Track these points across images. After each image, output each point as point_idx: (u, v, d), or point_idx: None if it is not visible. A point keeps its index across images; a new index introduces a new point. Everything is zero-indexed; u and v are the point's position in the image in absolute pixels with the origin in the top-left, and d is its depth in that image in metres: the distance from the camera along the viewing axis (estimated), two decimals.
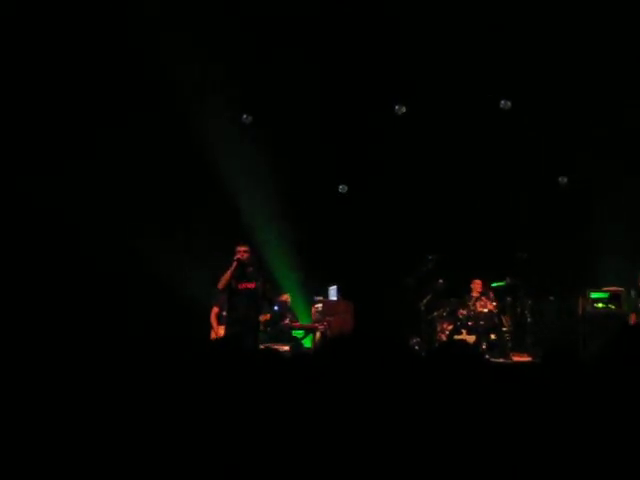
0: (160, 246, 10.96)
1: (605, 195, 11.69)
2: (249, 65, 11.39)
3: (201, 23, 10.77)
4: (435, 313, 11.52)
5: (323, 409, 1.99)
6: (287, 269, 12.06)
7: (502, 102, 11.95)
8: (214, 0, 10.94)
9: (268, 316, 10.19)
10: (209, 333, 9.88)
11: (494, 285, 11.65)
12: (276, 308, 10.81)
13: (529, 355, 10.87)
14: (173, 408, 2.24)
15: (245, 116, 12.21)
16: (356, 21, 11.10)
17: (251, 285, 8.61)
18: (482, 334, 11.16)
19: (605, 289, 11.00)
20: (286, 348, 9.74)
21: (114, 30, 10.49)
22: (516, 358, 10.78)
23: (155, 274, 10.84)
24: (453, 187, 12.24)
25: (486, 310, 11.23)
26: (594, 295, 10.94)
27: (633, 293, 10.60)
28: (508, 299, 11.53)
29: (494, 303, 11.34)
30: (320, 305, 11.40)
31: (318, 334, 10.91)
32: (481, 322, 11.18)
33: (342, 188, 12.86)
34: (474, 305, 11.28)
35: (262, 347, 7.55)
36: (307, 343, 10.92)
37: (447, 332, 11.32)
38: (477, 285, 11.38)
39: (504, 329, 11.27)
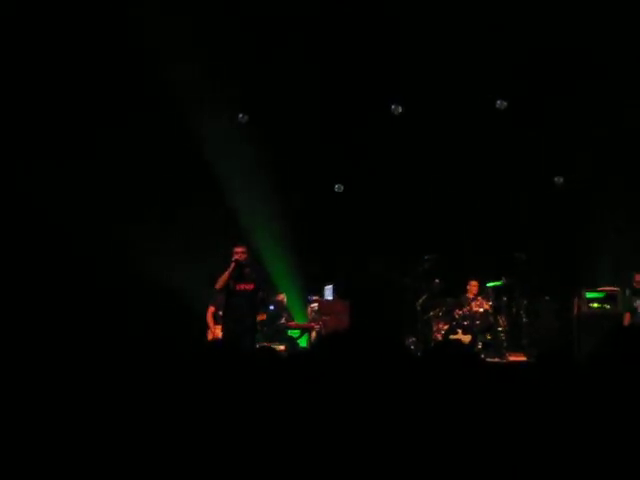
0: (156, 246, 10.95)
1: (601, 195, 11.70)
2: (245, 65, 11.38)
3: (195, 23, 10.76)
4: (431, 313, 11.53)
5: (318, 408, 1.99)
6: (283, 269, 12.05)
7: (498, 102, 11.95)
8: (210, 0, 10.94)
9: (264, 316, 10.19)
10: (205, 333, 9.88)
11: (490, 285, 11.67)
12: (272, 308, 10.81)
13: (524, 355, 10.88)
14: (170, 408, 2.24)
15: (241, 115, 12.20)
16: (352, 21, 11.10)
17: (249, 286, 8.61)
18: (478, 334, 11.17)
19: (601, 289, 11.02)
20: (282, 348, 9.75)
21: (113, 29, 10.49)
22: (511, 358, 10.80)
23: (151, 274, 10.83)
24: (450, 187, 12.24)
25: (482, 310, 11.24)
26: (590, 295, 10.96)
27: (628, 293, 10.63)
28: (504, 299, 11.54)
29: (490, 303, 11.35)
30: (316, 305, 11.40)
31: (314, 334, 10.92)
32: (477, 322, 11.19)
33: (338, 187, 12.85)
34: (470, 305, 11.29)
35: (258, 346, 7.55)
36: (303, 343, 10.93)
37: (443, 332, 11.32)
38: (473, 287, 11.39)
39: (499, 329, 11.27)
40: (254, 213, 11.99)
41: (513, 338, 11.41)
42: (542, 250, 11.58)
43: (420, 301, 11.40)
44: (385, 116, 12.17)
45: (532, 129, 11.67)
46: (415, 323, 11.48)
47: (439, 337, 11.28)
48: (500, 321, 11.34)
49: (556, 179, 12.29)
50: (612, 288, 10.95)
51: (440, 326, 11.44)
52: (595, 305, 10.91)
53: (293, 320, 11.41)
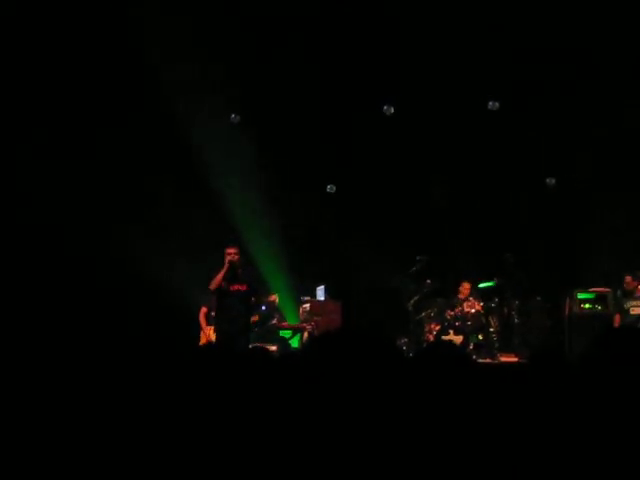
0: (148, 247, 10.93)
1: (592, 196, 11.74)
2: (238, 65, 11.37)
3: (188, 22, 10.75)
4: (423, 313, 11.54)
5: (310, 410, 1.99)
6: (275, 269, 12.05)
7: (490, 103, 11.98)
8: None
9: (257, 317, 10.19)
10: (198, 333, 9.87)
11: (482, 286, 11.68)
12: (264, 308, 10.80)
13: (516, 355, 10.90)
14: (165, 409, 2.23)
15: (233, 116, 12.19)
16: (344, 22, 11.10)
17: (242, 287, 8.61)
18: (469, 334, 11.19)
19: (592, 290, 11.04)
20: (273, 348, 9.74)
21: (112, 29, 10.48)
22: (503, 358, 10.82)
23: (143, 274, 10.81)
24: (442, 188, 12.25)
25: (473, 311, 11.25)
26: (581, 296, 10.98)
27: (619, 294, 10.66)
28: (495, 300, 11.56)
29: (481, 304, 11.37)
30: (308, 305, 11.40)
31: (306, 334, 10.91)
32: (468, 323, 11.21)
33: (330, 188, 12.85)
34: (461, 306, 11.30)
35: (252, 347, 7.55)
36: (294, 343, 10.92)
37: (435, 332, 11.33)
38: (465, 288, 11.40)
39: (491, 330, 11.29)
40: (246, 213, 11.98)
41: (505, 339, 11.42)
42: (534, 251, 11.60)
43: (412, 302, 11.40)
44: (377, 117, 12.18)
45: (525, 130, 11.70)
46: (407, 324, 11.48)
47: (431, 338, 11.28)
48: (492, 322, 11.36)
49: (548, 180, 12.32)
50: (603, 289, 10.98)
51: (432, 327, 11.45)
52: (586, 306, 10.93)
53: (285, 321, 11.41)
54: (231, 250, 8.62)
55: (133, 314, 10.29)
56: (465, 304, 11.30)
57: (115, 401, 2.39)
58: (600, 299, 10.94)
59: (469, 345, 11.08)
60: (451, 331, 11.27)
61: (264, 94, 11.56)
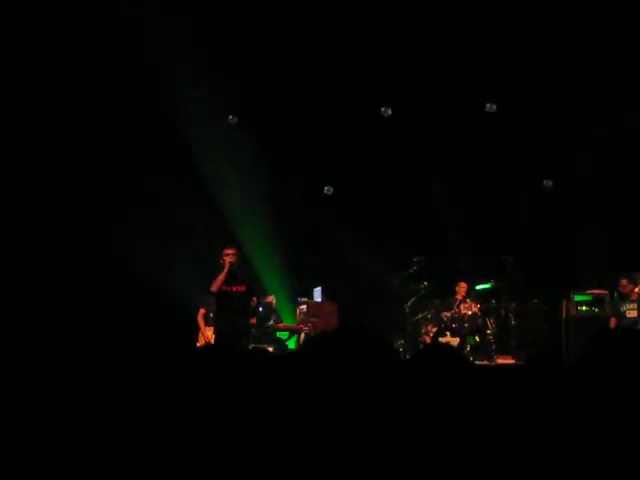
0: (148, 247, 10.93)
1: (589, 198, 11.75)
2: (238, 65, 11.37)
3: (188, 22, 10.75)
4: (420, 315, 11.54)
5: (306, 411, 1.99)
6: (272, 270, 12.04)
7: (487, 105, 11.99)
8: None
9: (255, 319, 10.19)
10: (196, 334, 9.87)
11: (479, 288, 11.69)
12: (261, 309, 10.80)
13: (513, 358, 10.92)
14: (166, 409, 2.23)
15: (231, 117, 12.19)
16: (344, 23, 11.10)
17: (241, 288, 8.60)
18: (466, 336, 11.19)
19: (589, 292, 11.06)
20: (270, 349, 9.73)
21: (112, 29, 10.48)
22: (500, 361, 10.83)
23: (143, 274, 10.80)
24: (439, 189, 12.26)
25: (470, 312, 11.26)
26: (578, 298, 10.99)
27: (616, 296, 10.67)
28: (492, 301, 11.57)
29: (478, 305, 11.37)
30: (305, 306, 11.40)
31: (303, 335, 10.91)
32: (465, 324, 11.21)
33: (327, 189, 12.85)
34: (458, 307, 11.31)
35: (251, 348, 7.56)
36: (291, 344, 10.92)
37: (431, 334, 11.34)
38: (462, 288, 11.40)
39: (488, 332, 11.30)
40: (244, 214, 11.98)
41: (501, 341, 11.43)
42: (531, 253, 11.61)
43: (409, 303, 11.41)
44: (377, 117, 12.19)
45: (524, 130, 11.71)
46: (404, 325, 11.49)
47: (427, 339, 11.29)
48: (489, 324, 11.37)
49: (545, 182, 12.33)
50: (600, 291, 10.99)
51: (429, 328, 11.45)
52: (583, 308, 10.95)
53: (282, 322, 11.40)
54: (229, 251, 8.60)
55: (132, 314, 10.27)
56: (462, 306, 11.31)
57: (114, 401, 2.39)
58: (597, 301, 10.96)
59: (466, 347, 11.09)
60: (448, 333, 11.27)
61: (264, 94, 11.56)
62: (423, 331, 11.47)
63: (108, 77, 10.84)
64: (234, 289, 8.54)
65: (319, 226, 12.39)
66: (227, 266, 8.45)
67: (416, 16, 10.85)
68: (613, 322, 10.43)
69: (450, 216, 12.24)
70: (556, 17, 10.53)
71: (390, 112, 12.23)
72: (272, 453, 1.98)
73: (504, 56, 11.11)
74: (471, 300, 11.39)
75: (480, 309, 11.35)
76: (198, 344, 9.58)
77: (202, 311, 9.88)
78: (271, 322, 11.04)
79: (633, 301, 10.37)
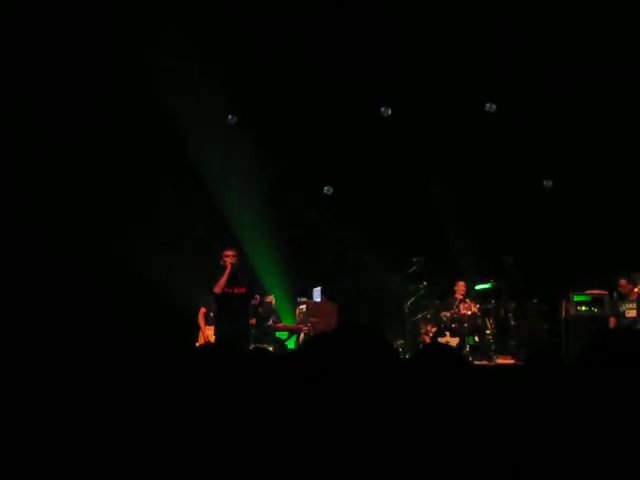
0: (148, 247, 10.93)
1: (589, 198, 11.75)
2: (238, 65, 11.37)
3: (188, 22, 10.75)
4: (419, 315, 11.54)
5: (304, 411, 2.00)
6: (271, 270, 12.04)
7: (487, 105, 11.99)
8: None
9: (254, 321, 10.20)
10: (196, 334, 9.89)
11: (478, 288, 11.69)
12: (260, 310, 10.80)
13: (512, 358, 10.91)
14: (166, 409, 2.23)
15: (230, 116, 12.19)
16: (344, 23, 11.10)
17: (241, 289, 8.63)
18: (466, 336, 11.19)
19: (588, 292, 11.06)
20: (270, 349, 9.73)
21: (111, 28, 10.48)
22: (499, 361, 10.82)
23: (143, 274, 10.80)
24: (438, 189, 12.26)
25: (470, 313, 11.26)
26: (577, 298, 10.99)
27: (616, 296, 10.68)
28: (492, 301, 11.57)
29: (478, 305, 11.37)
30: (304, 306, 11.40)
31: (302, 335, 10.91)
32: (464, 324, 11.21)
33: (327, 189, 12.85)
34: (458, 307, 11.31)
35: (252, 348, 7.58)
36: (291, 344, 10.92)
37: (431, 334, 11.33)
38: (461, 287, 11.40)
39: (487, 332, 11.30)
40: (244, 214, 11.98)
41: (501, 341, 11.43)
42: (531, 253, 11.61)
43: (408, 303, 11.41)
44: (377, 117, 12.19)
45: (524, 130, 11.72)
46: (403, 325, 11.49)
47: (427, 339, 11.29)
48: (488, 324, 11.37)
49: (545, 182, 12.34)
50: (600, 291, 10.99)
51: (428, 328, 11.45)
52: (583, 308, 10.95)
53: (281, 322, 11.41)
54: (230, 252, 8.63)
55: (132, 314, 10.28)
56: (461, 306, 11.31)
57: (114, 401, 2.40)
58: (597, 301, 10.96)
59: (465, 347, 11.08)
60: (447, 333, 11.27)
61: (264, 94, 11.56)
62: (422, 331, 11.47)
63: (108, 77, 10.85)
64: (235, 291, 8.57)
65: (319, 226, 12.38)
66: (229, 267, 8.47)
67: (416, 16, 10.85)
68: (612, 322, 10.44)
69: (450, 216, 12.24)
70: (556, 17, 10.53)
71: (390, 112, 12.23)
72: (272, 453, 1.98)
73: (504, 56, 11.11)
74: (471, 300, 11.39)
75: (480, 309, 11.35)
76: (198, 343, 9.60)
77: (203, 310, 9.90)
78: (270, 322, 11.04)
79: (632, 301, 10.37)
